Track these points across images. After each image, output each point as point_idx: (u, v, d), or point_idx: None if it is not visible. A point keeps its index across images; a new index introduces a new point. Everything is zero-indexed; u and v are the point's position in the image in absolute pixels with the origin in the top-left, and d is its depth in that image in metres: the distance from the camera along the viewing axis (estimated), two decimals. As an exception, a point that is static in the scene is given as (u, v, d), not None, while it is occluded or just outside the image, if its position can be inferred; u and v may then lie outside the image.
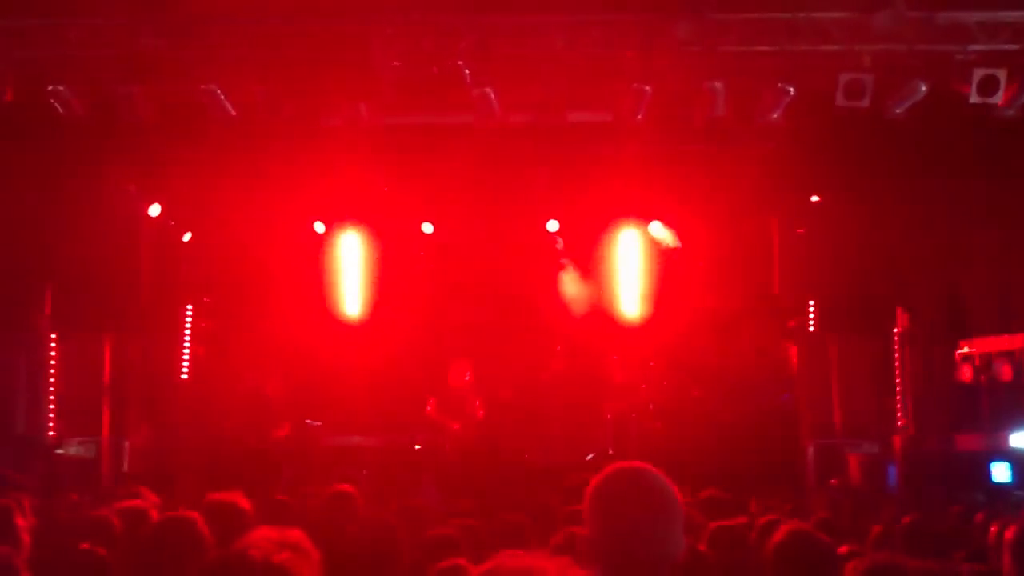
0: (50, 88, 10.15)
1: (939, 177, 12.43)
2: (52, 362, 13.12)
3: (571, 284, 15.24)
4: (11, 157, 11.57)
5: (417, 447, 14.21)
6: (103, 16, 9.89)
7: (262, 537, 2.29)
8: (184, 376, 14.99)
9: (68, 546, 4.91)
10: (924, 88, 10.13)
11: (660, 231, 15.12)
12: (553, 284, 15.27)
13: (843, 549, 4.53)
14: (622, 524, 2.81)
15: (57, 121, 10.49)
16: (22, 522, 4.88)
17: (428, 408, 14.04)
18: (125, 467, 13.49)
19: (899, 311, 13.84)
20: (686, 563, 3.26)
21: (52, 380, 13.09)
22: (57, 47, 9.91)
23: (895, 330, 13.86)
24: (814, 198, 14.21)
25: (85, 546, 4.93)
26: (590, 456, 13.92)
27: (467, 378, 14.16)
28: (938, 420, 13.34)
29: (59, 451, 12.99)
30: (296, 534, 2.33)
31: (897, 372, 13.79)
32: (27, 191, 12.33)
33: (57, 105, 10.28)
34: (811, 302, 14.63)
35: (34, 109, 10.38)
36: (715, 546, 5.46)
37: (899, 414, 13.69)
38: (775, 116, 10.52)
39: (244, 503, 5.29)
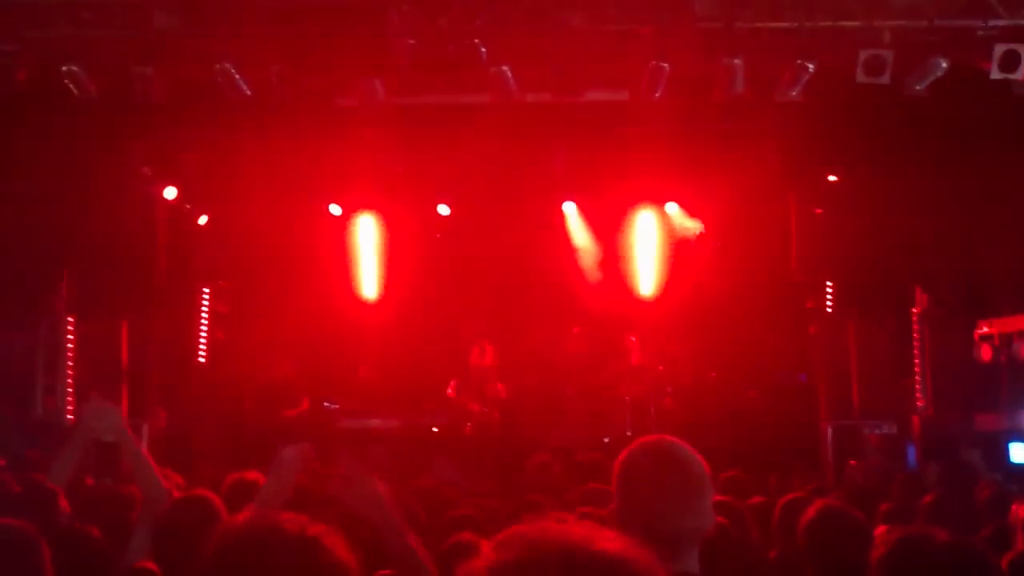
0: (64, 69, 10.11)
1: (959, 154, 12.31)
2: (70, 346, 13.13)
3: (588, 265, 15.20)
4: (25, 139, 11.55)
5: (434, 429, 14.21)
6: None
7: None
8: (201, 359, 15.00)
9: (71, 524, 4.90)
10: (945, 64, 10.02)
11: (677, 211, 15.07)
12: (570, 265, 15.23)
13: (880, 529, 4.48)
14: (652, 498, 2.77)
15: (71, 102, 10.47)
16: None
17: (449, 390, 14.05)
18: (144, 450, 13.49)
19: (918, 290, 13.74)
20: (711, 538, 3.21)
21: (70, 364, 13.11)
22: (71, 27, 9.87)
23: (914, 310, 13.76)
24: (831, 177, 14.11)
25: (77, 525, 4.90)
26: (607, 439, 13.89)
27: (488, 360, 14.18)
28: (957, 400, 13.25)
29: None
30: (301, 518, 2.28)
31: (916, 352, 13.70)
32: (42, 174, 12.32)
33: (71, 86, 10.25)
34: (829, 282, 14.55)
35: (48, 90, 10.36)
36: (736, 524, 5.41)
37: (918, 394, 13.61)
38: (794, 93, 10.43)
39: (265, 482, 5.27)
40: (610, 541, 1.68)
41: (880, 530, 4.78)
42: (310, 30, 9.82)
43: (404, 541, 3.37)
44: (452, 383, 14.20)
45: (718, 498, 5.86)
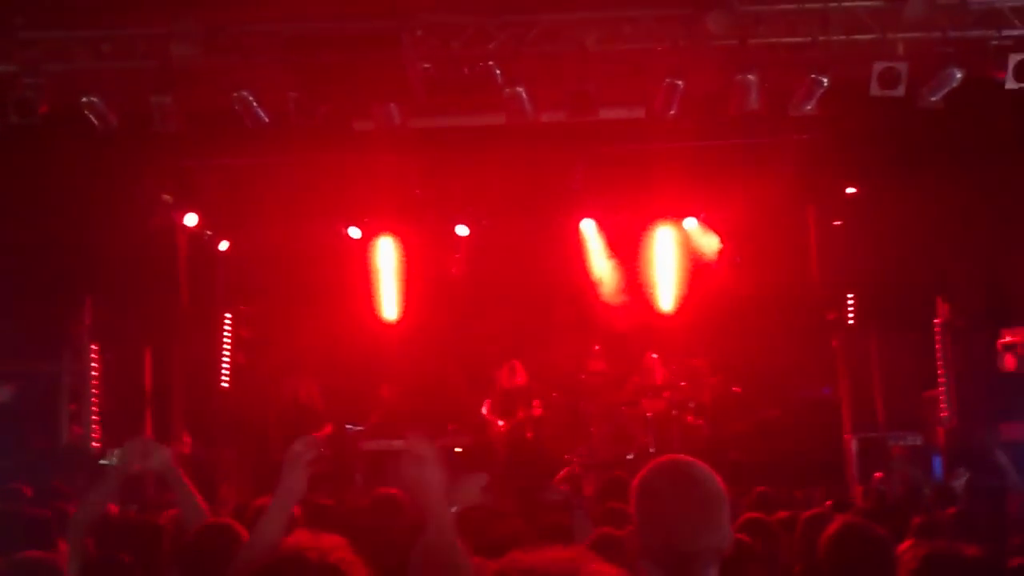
0: (84, 100, 10.25)
1: (976, 164, 12.29)
2: (94, 373, 13.22)
3: (608, 282, 15.23)
4: (47, 169, 11.68)
5: (458, 450, 14.22)
6: (136, 28, 9.98)
7: (302, 539, 2.29)
8: (224, 384, 15.08)
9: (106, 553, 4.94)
10: (959, 75, 10.01)
11: (696, 227, 15.09)
12: (590, 283, 15.25)
13: (905, 544, 4.48)
14: (670, 517, 2.79)
15: (92, 133, 10.59)
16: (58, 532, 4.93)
17: (484, 409, 14.13)
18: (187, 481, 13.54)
19: (939, 301, 13.69)
20: (734, 557, 3.22)
21: (94, 391, 13.19)
22: (91, 59, 10.01)
23: (936, 320, 13.71)
24: (850, 190, 14.10)
25: (119, 553, 4.95)
26: (630, 455, 13.87)
27: (519, 379, 14.23)
28: (982, 410, 13.17)
29: (103, 462, 13.07)
30: (336, 539, 2.32)
31: (939, 363, 13.63)
32: (64, 203, 12.44)
33: (92, 117, 10.38)
34: (850, 295, 14.52)
35: (69, 121, 10.48)
36: (765, 541, 5.40)
37: (942, 405, 13.54)
38: (809, 107, 10.44)
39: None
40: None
41: (904, 545, 4.77)
42: (326, 57, 9.90)
43: (450, 537, 3.24)
44: (487, 403, 14.26)
45: (749, 515, 5.87)
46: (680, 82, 10.15)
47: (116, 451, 5.55)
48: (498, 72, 10.03)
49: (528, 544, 5.52)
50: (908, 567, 3.34)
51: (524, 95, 10.29)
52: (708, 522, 2.79)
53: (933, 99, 10.29)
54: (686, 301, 15.09)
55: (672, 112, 10.51)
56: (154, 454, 4.96)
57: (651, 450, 13.83)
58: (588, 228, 15.38)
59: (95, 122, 10.43)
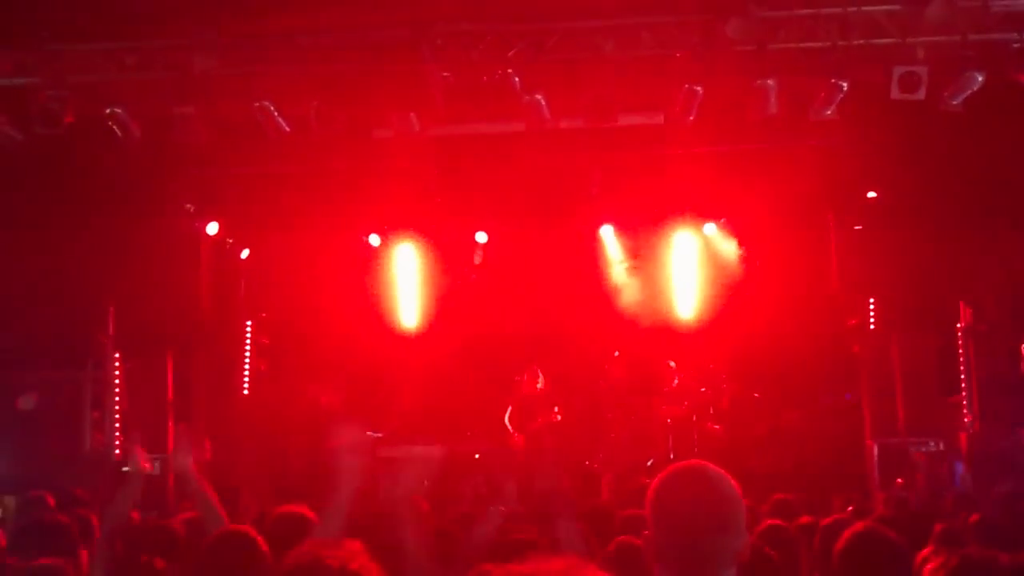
0: (108, 111, 10.35)
1: (998, 168, 12.22)
2: (116, 381, 13.29)
3: (628, 288, 15.22)
4: (72, 179, 11.77)
5: (476, 456, 14.24)
6: (159, 39, 10.07)
7: (319, 545, 2.31)
8: (245, 391, 15.14)
9: (130, 558, 4.96)
10: (980, 78, 9.97)
11: (716, 233, 15.07)
12: (609, 289, 15.24)
13: (926, 551, 4.45)
14: (685, 521, 2.79)
15: (115, 143, 10.68)
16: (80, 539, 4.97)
17: (507, 417, 14.19)
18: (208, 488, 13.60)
19: (962, 305, 13.62)
20: (752, 564, 3.23)
21: (117, 399, 13.26)
22: (115, 71, 10.11)
23: (958, 325, 13.63)
24: (870, 194, 14.04)
25: (145, 558, 4.98)
26: (650, 462, 13.86)
27: (539, 385, 14.25)
28: (1004, 415, 13.08)
29: (125, 469, 13.10)
30: (355, 545, 2.33)
31: (961, 368, 13.55)
32: (88, 213, 12.53)
33: (115, 127, 10.48)
34: (871, 299, 14.45)
35: (93, 132, 10.58)
36: (778, 547, 5.39)
37: (964, 410, 13.46)
38: (829, 112, 10.42)
39: (310, 515, 5.33)
40: None
41: (925, 552, 4.75)
42: (346, 66, 9.97)
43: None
44: (509, 410, 14.32)
45: (769, 521, 5.85)
46: (699, 88, 10.14)
47: (129, 459, 5.50)
48: (517, 79, 10.05)
49: (543, 550, 5.55)
50: (936, 575, 3.30)
51: (543, 102, 10.31)
52: (723, 522, 2.79)
53: (954, 103, 10.25)
54: (706, 307, 15.05)
55: (691, 118, 10.52)
56: (177, 457, 4.99)
57: (671, 456, 13.81)
58: (607, 234, 15.39)
59: (119, 132, 10.54)
